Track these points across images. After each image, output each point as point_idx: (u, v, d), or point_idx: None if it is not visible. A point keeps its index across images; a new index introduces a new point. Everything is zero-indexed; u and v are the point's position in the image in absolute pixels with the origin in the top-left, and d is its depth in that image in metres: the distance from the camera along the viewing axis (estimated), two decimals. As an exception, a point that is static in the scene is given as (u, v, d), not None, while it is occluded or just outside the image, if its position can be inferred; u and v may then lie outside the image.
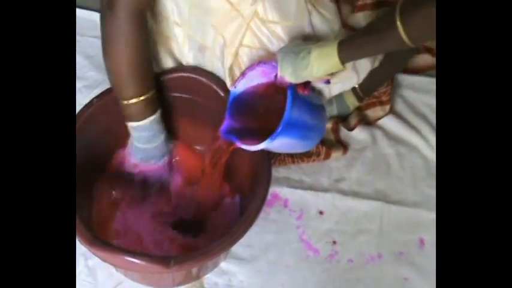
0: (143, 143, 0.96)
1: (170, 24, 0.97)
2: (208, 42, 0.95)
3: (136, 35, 0.86)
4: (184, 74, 1.00)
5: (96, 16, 1.37)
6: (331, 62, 0.77)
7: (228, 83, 0.96)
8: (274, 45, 0.93)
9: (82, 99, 1.19)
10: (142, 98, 0.90)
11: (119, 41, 0.86)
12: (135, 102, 0.90)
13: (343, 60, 0.76)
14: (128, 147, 1.01)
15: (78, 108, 0.95)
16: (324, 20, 0.96)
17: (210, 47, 0.95)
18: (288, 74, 0.82)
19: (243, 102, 0.93)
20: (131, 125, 0.93)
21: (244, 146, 0.87)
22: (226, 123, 0.91)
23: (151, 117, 0.93)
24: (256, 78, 0.90)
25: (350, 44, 0.76)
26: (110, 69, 0.90)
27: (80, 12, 1.39)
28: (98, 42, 1.31)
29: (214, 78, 0.99)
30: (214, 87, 0.98)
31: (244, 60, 0.94)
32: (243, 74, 0.89)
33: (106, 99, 0.96)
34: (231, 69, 0.94)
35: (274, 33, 0.92)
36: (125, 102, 0.90)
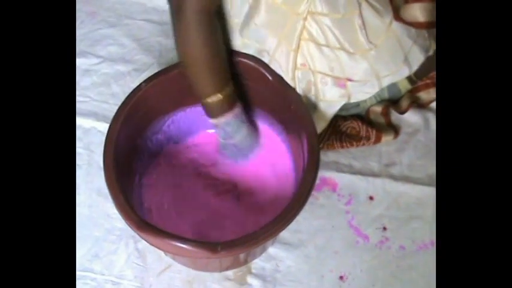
0: (226, 138, 0.98)
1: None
2: (269, 49, 0.97)
3: (206, 34, 0.87)
4: (234, 59, 0.98)
5: (144, -1, 1.38)
6: None
7: (291, 83, 0.98)
8: (321, 38, 0.93)
9: (131, 83, 1.21)
10: (219, 94, 0.91)
11: (190, 43, 0.87)
12: (215, 100, 0.91)
13: None
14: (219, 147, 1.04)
15: (128, 91, 0.94)
16: (375, 12, 0.93)
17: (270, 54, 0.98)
18: None
19: None
20: (212, 121, 0.96)
21: None
22: None
23: (231, 112, 0.94)
24: None
25: None
26: (186, 69, 0.91)
27: (128, -5, 1.39)
28: (147, 25, 1.34)
29: (262, 62, 0.98)
30: (262, 70, 0.97)
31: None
32: None
33: (154, 84, 0.95)
34: (293, 69, 0.97)
35: (323, 25, 0.91)
36: (205, 100, 0.92)
